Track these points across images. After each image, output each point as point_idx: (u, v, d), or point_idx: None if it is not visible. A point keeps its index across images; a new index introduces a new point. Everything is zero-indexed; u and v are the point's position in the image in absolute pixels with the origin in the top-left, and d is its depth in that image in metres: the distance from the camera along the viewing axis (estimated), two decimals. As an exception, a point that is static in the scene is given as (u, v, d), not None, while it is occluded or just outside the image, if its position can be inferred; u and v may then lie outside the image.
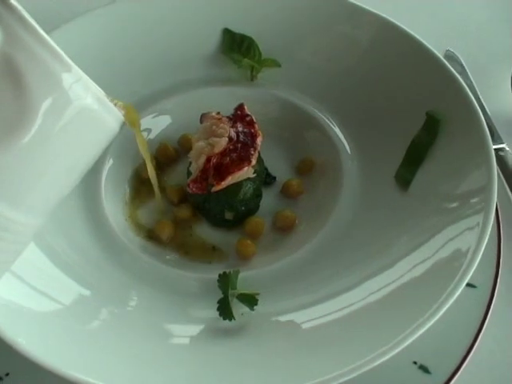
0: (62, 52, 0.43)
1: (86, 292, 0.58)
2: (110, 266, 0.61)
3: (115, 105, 0.52)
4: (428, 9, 0.99)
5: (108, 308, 0.57)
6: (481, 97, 0.84)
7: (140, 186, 0.70)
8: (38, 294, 0.55)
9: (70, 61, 0.43)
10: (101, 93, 0.47)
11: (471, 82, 0.86)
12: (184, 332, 0.56)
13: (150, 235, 0.66)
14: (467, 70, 0.88)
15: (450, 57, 0.90)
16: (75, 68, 0.44)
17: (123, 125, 0.54)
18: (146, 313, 0.58)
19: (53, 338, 0.52)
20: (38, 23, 0.49)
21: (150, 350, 0.53)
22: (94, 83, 0.48)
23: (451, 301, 0.50)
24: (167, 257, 0.65)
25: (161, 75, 0.76)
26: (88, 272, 0.60)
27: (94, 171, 0.67)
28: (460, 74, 0.85)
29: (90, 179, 0.67)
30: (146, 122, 0.74)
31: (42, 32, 0.42)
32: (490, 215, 0.55)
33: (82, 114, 0.45)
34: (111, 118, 0.49)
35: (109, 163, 0.70)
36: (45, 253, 0.59)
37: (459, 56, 0.90)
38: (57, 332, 0.53)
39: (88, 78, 0.46)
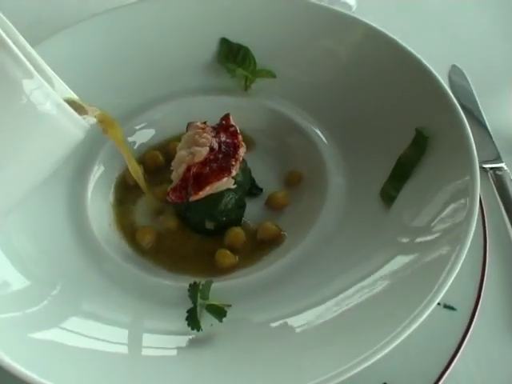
0: (24, 59, 0.43)
1: (62, 298, 0.58)
2: (90, 273, 0.62)
3: (92, 112, 0.52)
4: (435, 25, 0.98)
5: (85, 315, 0.57)
6: (484, 114, 0.83)
7: (126, 192, 0.71)
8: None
9: (31, 68, 0.44)
10: (62, 100, 0.48)
11: (475, 98, 0.85)
12: (170, 343, 0.56)
13: (133, 241, 0.66)
14: (472, 87, 0.86)
15: (456, 73, 0.89)
16: (36, 75, 0.44)
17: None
18: (128, 322, 0.58)
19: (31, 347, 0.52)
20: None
21: (137, 362, 0.53)
22: (63, 90, 0.49)
23: (423, 317, 0.49)
24: (148, 265, 0.65)
25: (156, 84, 0.77)
26: (64, 278, 0.60)
27: (80, 175, 0.68)
28: (465, 90, 0.84)
29: (76, 183, 0.68)
30: (137, 130, 0.75)
31: (5, 38, 0.42)
32: (467, 238, 0.53)
33: (41, 120, 0.46)
34: (72, 125, 0.50)
35: (97, 168, 0.70)
36: (8, 257, 0.59)
37: (465, 72, 0.89)
38: (35, 343, 0.53)
39: (50, 86, 0.47)
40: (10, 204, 0.50)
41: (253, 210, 0.69)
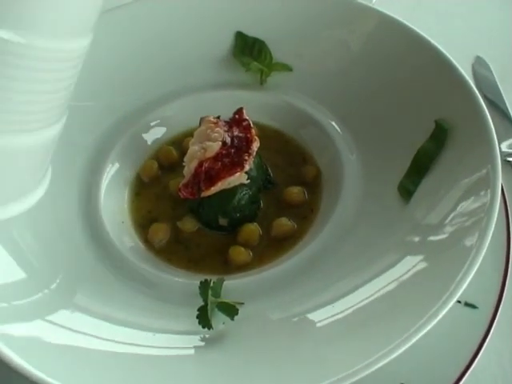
0: None
1: (72, 296, 0.58)
2: (102, 270, 0.61)
3: None
4: (459, 15, 0.96)
5: (93, 314, 0.56)
6: (508, 106, 0.80)
7: (140, 189, 0.70)
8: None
9: None
10: None
11: (499, 90, 0.82)
12: (182, 342, 0.55)
13: (145, 239, 0.66)
14: (496, 78, 0.84)
15: (480, 64, 0.86)
16: None
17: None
18: (138, 321, 0.57)
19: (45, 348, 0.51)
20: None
21: (148, 361, 0.52)
22: None
23: (442, 313, 0.47)
24: (160, 262, 0.64)
25: (171, 78, 0.76)
26: (75, 275, 0.60)
27: (94, 172, 0.69)
28: (489, 81, 0.82)
29: (90, 180, 0.68)
30: (152, 127, 0.75)
31: None
32: (488, 231, 0.51)
33: None
34: None
35: (111, 165, 0.70)
36: (9, 252, 0.59)
37: (489, 63, 0.86)
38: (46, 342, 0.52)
39: None
40: (84, 21, 0.48)
41: (267, 205, 0.68)
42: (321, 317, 0.54)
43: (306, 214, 0.66)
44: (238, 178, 0.61)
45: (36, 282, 0.57)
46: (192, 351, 0.54)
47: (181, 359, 0.54)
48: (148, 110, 0.74)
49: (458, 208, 0.55)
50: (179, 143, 0.73)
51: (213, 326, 0.54)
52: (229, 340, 0.54)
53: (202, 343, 0.54)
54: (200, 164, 0.60)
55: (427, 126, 0.62)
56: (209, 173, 0.60)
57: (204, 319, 0.54)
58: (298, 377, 0.48)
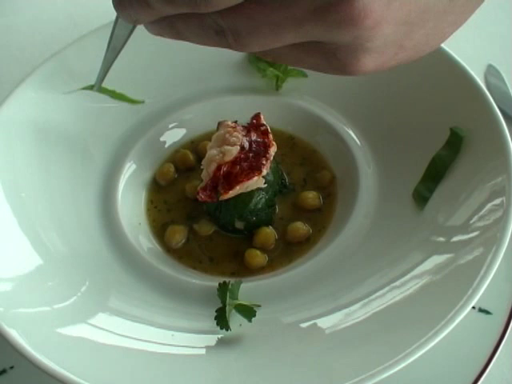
0: None
1: (91, 295, 0.59)
2: (120, 271, 0.62)
3: None
4: (471, 23, 0.96)
5: (113, 312, 0.57)
6: (521, 114, 0.81)
7: (156, 191, 0.71)
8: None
9: None
10: None
11: (511, 98, 0.83)
12: (198, 342, 0.56)
13: (162, 240, 0.67)
14: (508, 86, 0.84)
15: (492, 73, 0.87)
16: None
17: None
18: (156, 320, 0.57)
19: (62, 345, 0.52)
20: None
21: (165, 360, 0.53)
22: None
23: (457, 320, 0.48)
24: (178, 264, 0.65)
25: (187, 83, 0.77)
26: (93, 275, 0.61)
27: (111, 174, 0.69)
28: (501, 91, 0.82)
29: (107, 182, 0.69)
30: (169, 129, 0.75)
31: None
32: (504, 239, 0.52)
33: None
34: None
35: (128, 167, 0.71)
36: (39, 253, 0.60)
37: (501, 71, 0.87)
38: (60, 336, 0.53)
39: None
40: None
41: (283, 210, 0.68)
42: (333, 322, 0.54)
43: (321, 219, 0.67)
44: (256, 182, 0.61)
45: (69, 285, 0.58)
46: (205, 351, 0.55)
47: (192, 358, 0.55)
48: (165, 113, 0.75)
49: (474, 216, 0.56)
50: (196, 146, 0.74)
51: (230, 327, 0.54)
52: (242, 341, 0.54)
53: (217, 344, 0.55)
54: (219, 168, 0.61)
55: (443, 134, 0.63)
56: (227, 177, 0.61)
57: (222, 320, 0.54)
58: (304, 381, 0.49)
